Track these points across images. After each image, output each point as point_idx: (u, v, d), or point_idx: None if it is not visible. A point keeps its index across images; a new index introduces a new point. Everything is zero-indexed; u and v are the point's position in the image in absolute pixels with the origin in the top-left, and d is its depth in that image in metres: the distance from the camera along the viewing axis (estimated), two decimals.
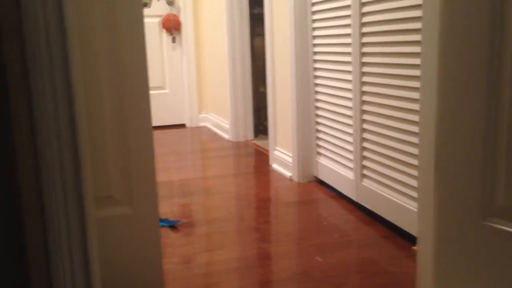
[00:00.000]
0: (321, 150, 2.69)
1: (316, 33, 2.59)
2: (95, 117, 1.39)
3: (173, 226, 2.19)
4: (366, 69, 2.14)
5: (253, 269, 1.78)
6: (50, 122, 0.98)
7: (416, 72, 1.80)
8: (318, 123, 2.69)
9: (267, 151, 3.39)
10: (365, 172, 2.24)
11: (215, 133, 4.39)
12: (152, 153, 1.46)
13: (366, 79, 2.15)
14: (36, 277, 0.98)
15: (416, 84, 1.80)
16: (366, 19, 2.10)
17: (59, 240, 1.00)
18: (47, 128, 0.98)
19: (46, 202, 0.97)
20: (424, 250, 1.48)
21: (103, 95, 1.40)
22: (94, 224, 1.08)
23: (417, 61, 1.78)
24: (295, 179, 2.82)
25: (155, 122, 4.66)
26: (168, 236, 2.09)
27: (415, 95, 1.81)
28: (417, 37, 1.78)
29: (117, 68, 1.40)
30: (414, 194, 1.87)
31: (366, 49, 2.13)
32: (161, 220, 2.19)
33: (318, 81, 2.63)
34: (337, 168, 2.51)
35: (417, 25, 1.77)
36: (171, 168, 3.24)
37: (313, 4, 2.58)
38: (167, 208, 2.43)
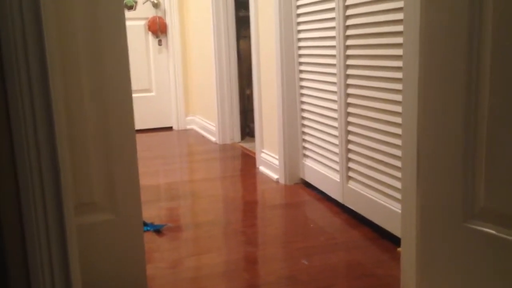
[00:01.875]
0: (308, 153, 2.69)
1: (301, 35, 2.59)
2: (77, 123, 1.38)
3: (158, 230, 2.18)
4: (350, 71, 2.15)
5: (239, 273, 1.77)
6: (28, 128, 0.97)
7: (401, 75, 1.80)
8: (304, 125, 2.70)
9: (254, 153, 3.38)
10: (351, 174, 2.25)
11: (202, 136, 4.38)
12: (135, 158, 1.45)
13: (350, 81, 2.16)
14: (16, 286, 0.97)
15: (400, 86, 1.81)
16: (350, 21, 2.11)
17: (39, 248, 0.98)
18: (25, 133, 0.97)
19: (24, 210, 0.96)
20: (408, 252, 1.48)
21: (85, 100, 1.39)
22: (74, 231, 1.07)
23: (400, 63, 1.79)
24: (282, 181, 2.82)
25: (142, 125, 4.64)
26: (154, 241, 2.07)
27: (400, 97, 1.82)
28: (400, 39, 1.79)
29: (99, 74, 1.39)
30: (399, 196, 1.88)
31: (350, 52, 2.14)
32: (147, 225, 2.18)
33: (304, 83, 2.63)
34: (323, 170, 2.51)
35: (400, 28, 1.78)
36: (158, 171, 3.23)
37: (298, 7, 2.58)
38: (153, 212, 2.41)
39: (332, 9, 2.25)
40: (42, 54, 0.97)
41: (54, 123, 0.96)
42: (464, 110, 1.20)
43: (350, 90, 2.17)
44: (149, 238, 2.10)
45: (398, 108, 1.83)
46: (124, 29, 1.41)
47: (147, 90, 4.63)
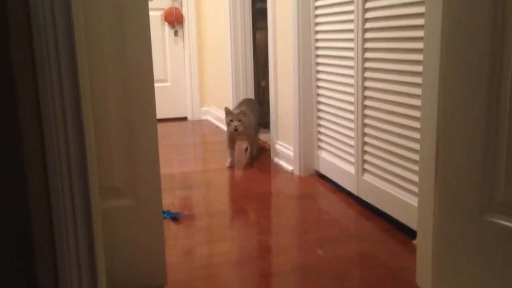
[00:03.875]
0: (323, 145, 2.70)
1: (319, 28, 2.59)
2: (100, 110, 1.40)
3: (175, 218, 2.21)
4: (368, 64, 2.15)
5: (253, 261, 1.79)
6: (57, 117, 0.99)
7: (418, 68, 1.81)
8: (319, 117, 2.71)
9: (269, 145, 3.40)
10: (366, 166, 2.25)
11: (217, 127, 4.40)
12: (156, 145, 1.48)
13: (368, 74, 2.16)
14: (43, 267, 1.00)
15: (417, 80, 1.81)
16: (368, 14, 2.11)
17: (66, 230, 1.01)
18: (54, 122, 0.99)
19: (52, 194, 0.99)
20: (424, 244, 1.49)
21: (108, 87, 1.41)
22: (99, 215, 1.10)
23: (419, 57, 1.79)
24: (296, 173, 2.84)
25: (157, 115, 4.67)
26: (169, 228, 2.10)
27: (417, 91, 1.82)
28: (419, 33, 1.79)
29: (122, 61, 1.41)
30: (415, 188, 1.88)
31: (368, 45, 2.14)
32: (163, 212, 2.20)
33: (320, 75, 2.64)
34: (338, 163, 2.53)
35: (420, 21, 1.78)
36: (172, 160, 3.26)
37: None
38: (168, 201, 2.44)
39: (351, 2, 2.25)
40: (72, 42, 0.99)
41: (82, 112, 0.99)
42: (485, 103, 1.20)
43: (368, 83, 2.17)
44: (165, 225, 2.12)
45: (416, 102, 1.84)
46: (147, 19, 1.42)
47: (163, 80, 4.66)
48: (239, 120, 2.96)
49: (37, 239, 0.99)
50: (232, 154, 3.11)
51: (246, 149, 3.35)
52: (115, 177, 1.45)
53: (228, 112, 2.99)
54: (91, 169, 1.04)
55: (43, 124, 0.98)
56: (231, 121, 2.97)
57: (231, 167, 3.07)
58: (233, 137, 3.09)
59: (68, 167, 1.01)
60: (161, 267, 1.56)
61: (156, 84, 1.46)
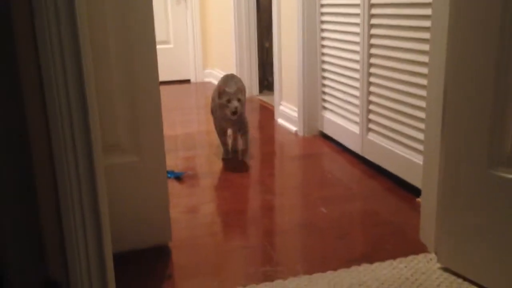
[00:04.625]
0: (327, 105, 2.68)
1: None
2: (102, 66, 1.38)
3: (178, 177, 2.21)
4: (374, 21, 2.11)
5: (258, 219, 1.80)
6: (58, 73, 0.97)
7: (424, 23, 1.77)
8: (324, 77, 2.67)
9: (272, 106, 3.38)
10: (371, 125, 2.24)
11: None
12: (158, 102, 1.46)
13: (374, 31, 2.12)
14: (47, 224, 1.00)
15: (424, 35, 1.78)
16: None
17: (70, 187, 1.01)
18: (55, 78, 0.97)
19: (55, 150, 0.98)
20: (428, 201, 1.49)
21: (110, 43, 1.39)
22: (102, 170, 1.09)
23: (425, 11, 1.75)
24: (300, 133, 2.82)
25: (160, 78, 4.63)
26: (173, 187, 2.11)
27: (423, 47, 1.79)
28: None
29: (124, 19, 1.39)
30: (419, 146, 1.87)
31: (375, 0, 2.09)
32: (167, 172, 2.21)
33: (325, 34, 2.59)
34: (342, 123, 2.51)
35: None
36: (175, 122, 3.25)
37: None
38: (172, 161, 2.44)
39: None
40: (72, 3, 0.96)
41: (83, 67, 0.97)
42: (495, 54, 1.17)
43: (374, 41, 2.13)
44: (169, 184, 2.12)
45: (422, 58, 1.80)
46: None
47: (165, 42, 4.60)
48: (239, 100, 2.25)
49: (40, 194, 0.99)
50: (227, 142, 2.49)
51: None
52: (118, 133, 1.44)
53: (223, 91, 2.27)
54: (93, 124, 1.03)
55: (44, 82, 0.96)
56: (229, 101, 2.25)
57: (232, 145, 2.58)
58: (226, 124, 2.40)
59: (70, 121, 1.00)
60: (166, 224, 1.57)
61: (158, 46, 1.44)
